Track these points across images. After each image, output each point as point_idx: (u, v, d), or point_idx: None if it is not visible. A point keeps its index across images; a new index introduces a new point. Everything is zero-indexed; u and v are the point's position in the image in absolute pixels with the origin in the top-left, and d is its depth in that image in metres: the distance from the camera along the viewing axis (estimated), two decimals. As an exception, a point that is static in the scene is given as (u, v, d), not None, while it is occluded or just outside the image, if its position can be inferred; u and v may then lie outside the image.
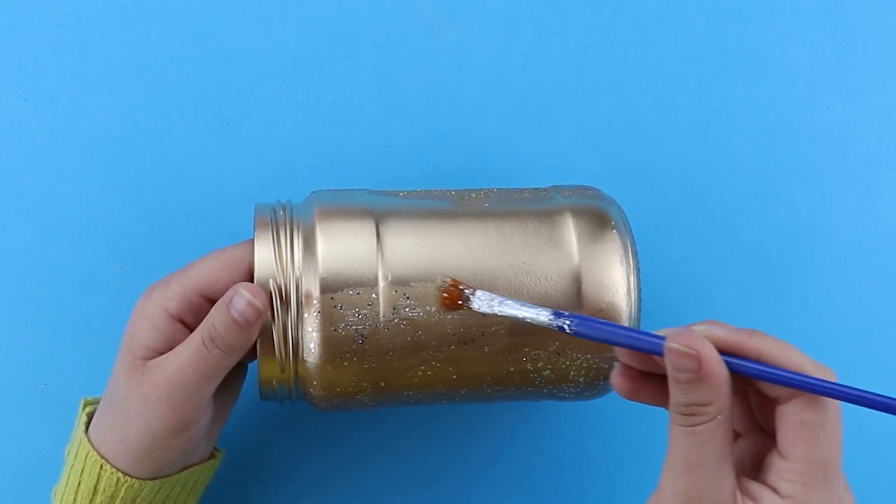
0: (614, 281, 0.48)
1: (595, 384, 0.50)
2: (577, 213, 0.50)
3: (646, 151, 0.61)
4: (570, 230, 0.49)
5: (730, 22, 0.61)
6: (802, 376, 0.39)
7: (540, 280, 0.48)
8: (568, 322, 0.42)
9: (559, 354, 0.48)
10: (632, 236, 0.50)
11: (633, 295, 0.48)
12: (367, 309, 0.47)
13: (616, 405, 0.60)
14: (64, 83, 0.59)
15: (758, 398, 0.42)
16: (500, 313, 0.44)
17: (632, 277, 0.49)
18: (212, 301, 0.47)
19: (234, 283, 0.47)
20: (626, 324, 0.48)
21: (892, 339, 0.61)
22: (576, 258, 0.48)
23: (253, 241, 0.48)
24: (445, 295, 0.46)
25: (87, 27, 0.59)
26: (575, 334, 0.42)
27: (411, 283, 0.47)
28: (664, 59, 0.61)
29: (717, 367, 0.39)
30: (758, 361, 0.39)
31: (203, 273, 0.48)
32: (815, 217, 0.61)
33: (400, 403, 0.51)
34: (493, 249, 0.48)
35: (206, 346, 0.46)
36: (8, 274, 0.58)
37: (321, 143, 0.60)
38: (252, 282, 0.47)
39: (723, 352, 0.39)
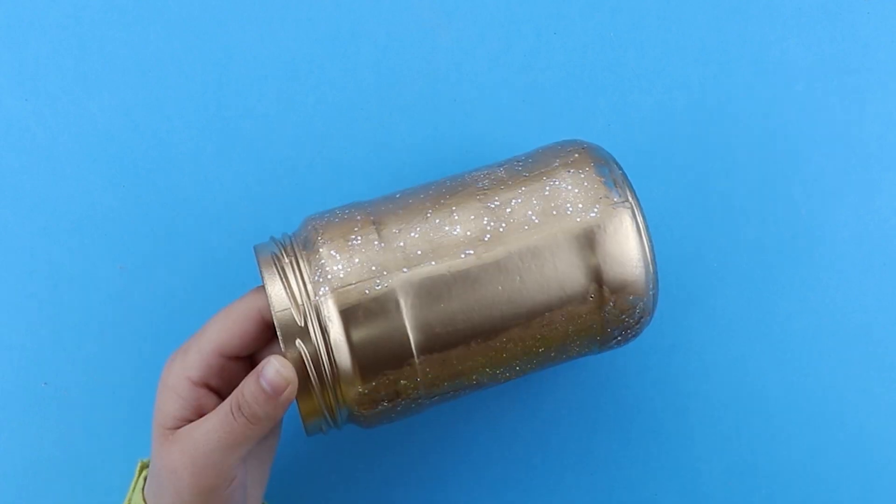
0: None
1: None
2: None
3: (645, 152, 0.61)
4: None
5: (730, 22, 0.61)
6: None
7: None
8: None
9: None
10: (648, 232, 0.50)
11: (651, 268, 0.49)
12: (392, 317, 0.47)
13: (614, 406, 0.60)
14: (64, 83, 0.59)
15: None
16: None
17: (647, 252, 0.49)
18: (231, 359, 0.48)
19: (248, 334, 0.48)
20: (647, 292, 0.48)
21: (892, 339, 0.61)
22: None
23: (256, 289, 0.49)
24: None
25: (87, 27, 0.59)
26: None
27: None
28: (664, 59, 0.61)
29: None
30: None
31: (216, 334, 0.48)
32: (815, 217, 0.61)
33: (451, 396, 0.50)
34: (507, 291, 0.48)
35: (233, 415, 0.46)
36: (8, 274, 0.58)
37: (321, 143, 0.60)
38: (264, 327, 0.48)
39: None
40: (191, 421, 0.47)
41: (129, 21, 0.59)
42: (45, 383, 0.58)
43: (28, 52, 0.59)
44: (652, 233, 0.49)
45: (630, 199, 0.49)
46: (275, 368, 0.45)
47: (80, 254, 0.58)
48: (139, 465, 0.52)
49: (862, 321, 0.61)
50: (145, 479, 0.50)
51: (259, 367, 0.46)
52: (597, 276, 0.48)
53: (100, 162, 0.59)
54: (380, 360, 0.47)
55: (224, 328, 0.48)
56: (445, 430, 0.59)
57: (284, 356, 0.46)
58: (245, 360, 0.49)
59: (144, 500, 0.49)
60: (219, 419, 0.46)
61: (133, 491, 0.50)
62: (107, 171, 0.59)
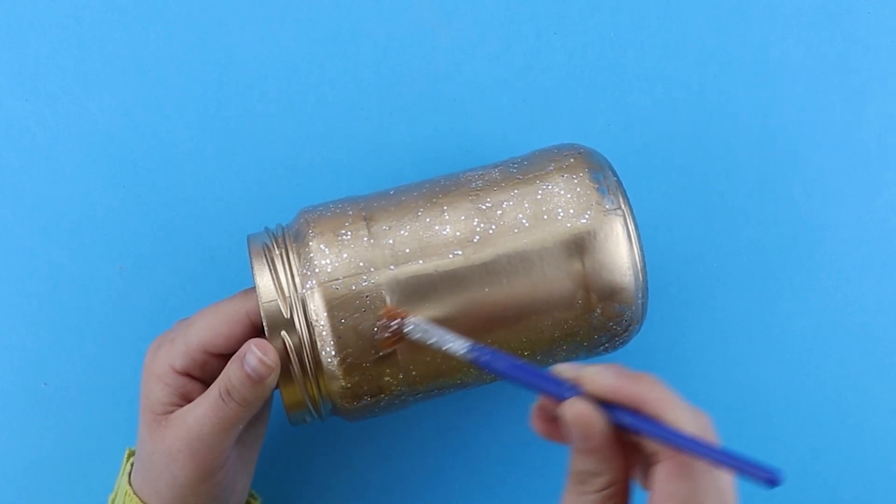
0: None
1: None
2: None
3: (645, 152, 0.61)
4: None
5: (730, 22, 0.61)
6: (667, 430, 0.38)
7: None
8: (479, 355, 0.43)
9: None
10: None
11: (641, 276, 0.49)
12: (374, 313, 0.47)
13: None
14: (64, 83, 0.59)
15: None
16: (428, 341, 0.45)
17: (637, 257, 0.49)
18: (215, 355, 0.49)
19: (234, 335, 0.48)
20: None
21: (892, 339, 0.61)
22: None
23: (246, 290, 0.49)
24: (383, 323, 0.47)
25: (87, 27, 0.59)
26: (485, 368, 0.43)
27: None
28: (664, 59, 0.61)
29: (605, 441, 0.39)
30: (637, 413, 0.39)
31: (203, 331, 0.49)
32: (815, 217, 0.61)
33: (434, 394, 0.51)
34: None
35: (223, 399, 0.47)
36: (8, 274, 0.58)
37: (321, 143, 0.60)
38: (251, 329, 0.48)
39: (606, 402, 0.39)
40: (178, 406, 0.48)
41: (129, 21, 0.59)
42: (45, 383, 0.58)
43: (28, 52, 0.59)
44: (652, 233, 0.49)
45: (623, 206, 0.48)
46: (257, 356, 0.46)
47: (80, 254, 0.58)
48: (126, 452, 0.52)
49: (862, 321, 0.61)
50: (132, 467, 0.51)
51: (241, 352, 0.47)
52: (585, 283, 0.48)
53: (100, 162, 0.59)
54: (363, 355, 0.47)
55: (210, 327, 0.49)
56: (443, 427, 0.59)
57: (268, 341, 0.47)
58: (228, 356, 0.50)
59: (131, 484, 0.49)
60: (210, 404, 0.47)
61: (122, 476, 0.51)
62: (107, 171, 0.59)
